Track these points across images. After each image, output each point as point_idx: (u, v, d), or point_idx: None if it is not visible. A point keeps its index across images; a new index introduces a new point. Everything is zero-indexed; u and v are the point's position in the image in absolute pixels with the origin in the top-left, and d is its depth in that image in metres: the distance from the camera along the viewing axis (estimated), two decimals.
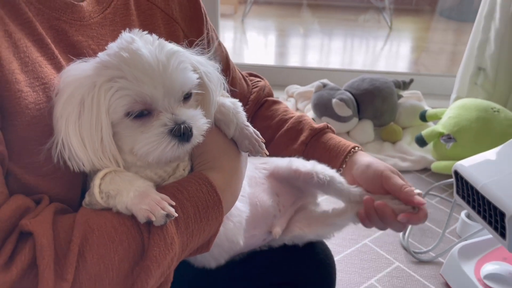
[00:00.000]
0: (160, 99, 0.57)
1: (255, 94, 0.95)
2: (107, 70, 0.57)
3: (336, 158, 0.84)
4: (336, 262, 0.92)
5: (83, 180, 0.64)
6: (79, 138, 0.57)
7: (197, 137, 0.61)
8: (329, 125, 0.90)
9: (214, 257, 0.75)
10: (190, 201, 0.60)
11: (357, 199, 0.78)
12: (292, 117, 0.92)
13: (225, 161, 0.67)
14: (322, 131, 0.89)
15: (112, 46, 0.59)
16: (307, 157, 0.85)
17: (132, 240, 0.55)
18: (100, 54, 0.59)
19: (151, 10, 0.76)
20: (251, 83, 0.97)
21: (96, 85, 0.57)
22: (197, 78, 0.62)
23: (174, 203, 0.58)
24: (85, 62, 0.60)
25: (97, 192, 0.57)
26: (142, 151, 0.58)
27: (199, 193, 0.61)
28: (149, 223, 0.56)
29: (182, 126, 0.58)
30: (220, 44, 0.89)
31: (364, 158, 0.82)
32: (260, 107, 0.96)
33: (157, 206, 0.55)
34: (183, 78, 0.59)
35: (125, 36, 0.59)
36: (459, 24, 4.12)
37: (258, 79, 1.00)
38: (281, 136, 0.90)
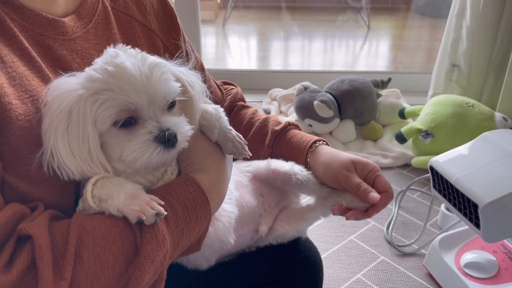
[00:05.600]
0: (144, 107, 0.60)
1: (228, 101, 0.98)
2: (93, 84, 0.59)
3: (299, 156, 0.87)
4: (323, 259, 0.94)
5: (76, 188, 0.65)
6: (67, 148, 0.59)
7: (182, 142, 0.63)
8: (291, 121, 0.93)
9: (205, 257, 0.77)
10: (179, 201, 0.62)
11: (326, 195, 0.84)
12: (258, 119, 0.94)
13: (210, 163, 0.69)
14: (283, 131, 0.91)
15: (98, 61, 0.61)
16: (277, 158, 0.88)
17: (125, 239, 0.57)
18: (87, 69, 0.61)
19: (130, 24, 0.79)
20: (225, 91, 1.00)
21: (82, 98, 0.58)
22: (180, 87, 0.64)
23: (163, 203, 0.60)
24: (73, 76, 0.62)
25: (90, 197, 0.59)
26: (130, 158, 0.60)
27: (187, 193, 0.63)
28: (140, 223, 0.58)
29: (166, 133, 0.60)
30: (196, 55, 0.92)
31: (321, 158, 0.84)
32: (230, 112, 0.99)
33: (147, 206, 0.57)
34: (166, 88, 0.61)
35: (110, 51, 0.62)
36: (435, 21, 4.18)
37: (232, 87, 1.03)
38: (249, 141, 0.92)
